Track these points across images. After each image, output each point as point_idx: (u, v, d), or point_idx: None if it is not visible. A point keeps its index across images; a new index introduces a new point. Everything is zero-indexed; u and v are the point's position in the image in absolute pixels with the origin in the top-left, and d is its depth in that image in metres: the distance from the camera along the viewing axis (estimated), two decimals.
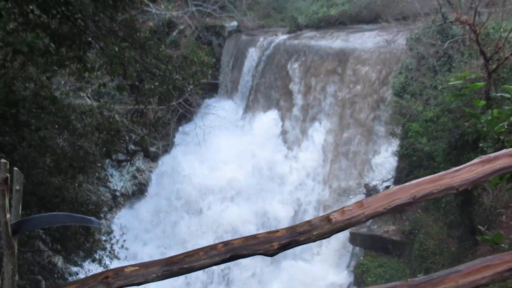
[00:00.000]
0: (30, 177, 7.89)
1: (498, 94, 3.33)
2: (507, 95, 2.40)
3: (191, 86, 7.82)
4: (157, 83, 6.82)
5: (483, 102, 2.59)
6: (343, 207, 1.83)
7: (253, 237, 1.80)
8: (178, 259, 1.75)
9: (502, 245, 2.30)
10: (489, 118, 2.35)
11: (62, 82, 12.78)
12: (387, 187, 15.26)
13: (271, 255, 1.77)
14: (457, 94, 5.12)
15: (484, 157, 1.90)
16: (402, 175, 14.88)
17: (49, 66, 5.70)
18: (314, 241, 1.80)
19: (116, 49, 5.35)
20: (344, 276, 15.83)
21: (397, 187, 1.87)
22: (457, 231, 12.51)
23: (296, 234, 1.79)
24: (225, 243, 1.78)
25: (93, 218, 2.87)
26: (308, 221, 1.83)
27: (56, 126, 7.39)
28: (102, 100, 9.17)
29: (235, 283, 16.81)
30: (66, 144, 8.57)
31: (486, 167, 1.85)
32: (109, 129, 7.98)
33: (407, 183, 1.86)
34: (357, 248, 15.74)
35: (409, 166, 14.41)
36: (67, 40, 5.58)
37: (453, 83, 3.04)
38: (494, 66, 10.21)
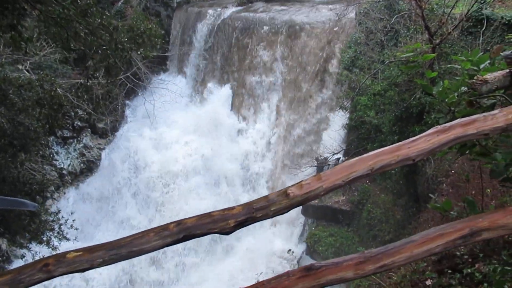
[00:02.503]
0: None
1: (448, 66, 3.41)
2: (457, 66, 2.43)
3: (139, 57, 7.45)
4: (101, 52, 6.41)
5: (434, 74, 2.63)
6: (301, 181, 1.78)
7: (208, 215, 1.71)
8: (126, 241, 1.64)
9: (451, 213, 2.37)
10: (440, 89, 2.38)
11: None
12: (338, 159, 15.66)
13: (227, 233, 1.70)
14: (409, 65, 5.22)
15: (439, 127, 1.91)
16: (351, 147, 15.29)
17: None
18: (271, 217, 1.74)
19: (56, 13, 4.91)
20: (297, 247, 16.26)
21: (355, 159, 1.85)
22: (402, 200, 13.10)
23: (253, 211, 1.72)
24: (177, 223, 1.68)
25: (27, 201, 2.63)
26: (265, 197, 1.77)
27: None
28: (41, 73, 8.56)
29: (187, 266, 16.76)
30: (4, 120, 7.99)
31: (441, 137, 1.86)
32: (51, 104, 7.49)
33: (364, 155, 1.83)
34: (309, 219, 16.17)
35: (358, 139, 14.81)
36: None
37: (405, 55, 3.04)
38: (437, 41, 10.54)
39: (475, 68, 2.31)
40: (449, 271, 5.26)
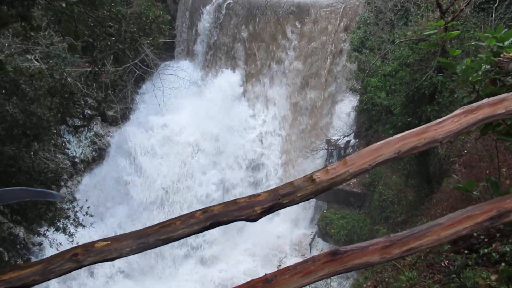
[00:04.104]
0: None
1: (473, 43, 3.33)
2: (482, 43, 2.37)
3: (148, 44, 7.41)
4: (110, 42, 6.38)
5: (458, 52, 2.57)
6: (326, 166, 1.76)
7: (234, 202, 1.70)
8: (154, 230, 1.64)
9: (474, 193, 2.34)
10: (464, 67, 2.32)
11: (6, 44, 11.88)
12: (348, 141, 15.59)
13: (254, 220, 1.69)
14: (428, 43, 5.09)
15: (466, 107, 1.86)
16: (362, 129, 15.19)
17: None
18: (298, 203, 1.73)
19: (64, 4, 4.89)
20: (308, 230, 16.34)
21: (381, 142, 1.81)
22: (414, 181, 13.02)
23: (279, 197, 1.70)
24: (204, 210, 1.68)
25: (54, 192, 2.65)
26: (291, 183, 1.75)
27: (3, 91, 6.85)
28: (50, 62, 8.55)
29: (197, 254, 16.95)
30: (16, 110, 8.03)
31: (469, 118, 1.81)
32: (62, 92, 7.50)
33: (391, 138, 1.80)
34: (320, 202, 16.20)
35: (369, 121, 14.69)
36: None
37: (428, 33, 2.97)
38: (449, 19, 10.31)
39: (500, 44, 2.25)
40: (466, 252, 5.24)
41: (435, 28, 2.98)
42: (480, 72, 2.28)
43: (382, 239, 1.76)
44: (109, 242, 1.62)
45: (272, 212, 1.73)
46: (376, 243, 1.75)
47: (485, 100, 1.86)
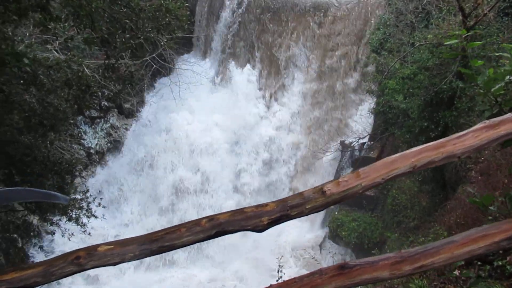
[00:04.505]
0: None
1: (497, 54, 3.20)
2: (506, 54, 2.26)
3: (165, 39, 7.41)
4: (128, 36, 6.39)
5: (480, 62, 2.45)
6: (338, 178, 1.70)
7: (241, 211, 1.65)
8: (158, 236, 1.60)
9: (491, 207, 2.24)
10: (486, 78, 2.23)
11: (27, 34, 12.03)
12: (363, 144, 15.42)
13: (260, 230, 1.64)
14: (451, 53, 4.95)
15: (487, 122, 1.78)
16: (377, 132, 15.02)
17: (8, 15, 5.20)
18: (307, 215, 1.67)
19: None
20: (319, 231, 16.24)
21: (397, 155, 1.74)
22: (428, 186, 12.82)
23: (287, 208, 1.65)
24: (210, 218, 1.63)
25: (58, 194, 2.62)
26: (301, 194, 1.69)
27: (21, 81, 6.93)
28: (69, 53, 8.63)
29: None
30: (34, 100, 8.13)
31: (490, 133, 1.73)
32: (79, 84, 7.55)
33: (407, 151, 1.73)
34: None
35: (385, 123, 14.50)
36: None
37: (448, 43, 2.87)
38: (472, 23, 10.10)
39: None
40: (479, 263, 5.12)
41: (456, 38, 2.86)
42: (503, 84, 2.18)
43: (393, 254, 1.70)
44: (112, 246, 1.59)
45: (279, 223, 1.68)
46: (386, 258, 1.69)
47: (508, 115, 1.78)
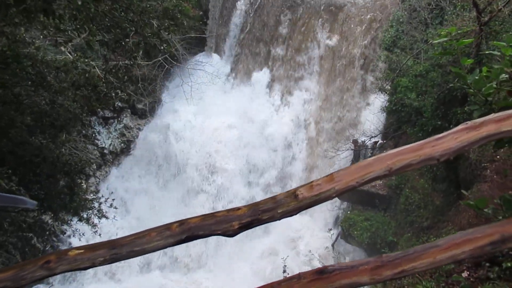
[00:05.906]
0: (8, 135, 7.64)
1: (487, 52, 3.12)
2: (496, 53, 2.19)
3: (177, 40, 7.43)
4: (135, 40, 6.43)
5: (470, 61, 2.38)
6: (312, 182, 1.67)
7: (211, 215, 1.64)
8: (127, 241, 1.60)
9: (485, 210, 2.18)
10: (477, 77, 2.16)
11: (41, 36, 12.22)
12: (375, 142, 15.26)
13: (231, 235, 1.62)
14: (443, 52, 4.83)
15: (469, 123, 1.72)
16: (390, 130, 14.84)
17: (13, 17, 5.27)
18: (279, 219, 1.65)
19: (80, 2, 4.92)
20: (331, 231, 16.10)
21: (372, 158, 1.70)
22: (442, 185, 12.61)
23: (259, 212, 1.63)
24: (181, 223, 1.62)
25: (25, 198, 2.65)
26: (273, 198, 1.67)
27: (29, 82, 7.03)
28: (76, 55, 8.73)
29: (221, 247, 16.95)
30: (44, 101, 8.25)
31: (471, 135, 1.67)
32: (85, 85, 7.62)
33: (383, 153, 1.69)
34: (345, 203, 15.94)
35: (397, 122, 14.32)
36: None
37: (438, 41, 2.80)
38: (486, 19, 9.89)
39: None
40: (487, 264, 5.02)
41: (446, 35, 2.78)
42: (494, 84, 2.11)
43: (373, 259, 1.66)
44: (82, 250, 1.60)
45: (251, 228, 1.66)
46: (366, 262, 1.65)
47: (491, 116, 1.71)
